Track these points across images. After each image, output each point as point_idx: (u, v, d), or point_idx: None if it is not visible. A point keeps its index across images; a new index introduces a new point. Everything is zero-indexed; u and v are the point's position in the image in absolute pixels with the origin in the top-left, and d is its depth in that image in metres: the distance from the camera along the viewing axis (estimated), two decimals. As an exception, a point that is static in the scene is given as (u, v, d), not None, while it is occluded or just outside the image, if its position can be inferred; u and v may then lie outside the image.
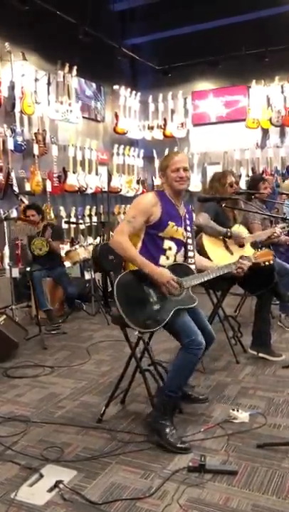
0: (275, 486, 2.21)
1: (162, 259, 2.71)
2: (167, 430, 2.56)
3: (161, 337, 4.09)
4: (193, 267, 2.79)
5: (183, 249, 2.81)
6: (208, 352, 3.99)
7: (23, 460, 2.48)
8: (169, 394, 2.61)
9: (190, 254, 2.82)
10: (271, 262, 3.00)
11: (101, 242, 6.16)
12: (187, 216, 2.85)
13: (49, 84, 6.85)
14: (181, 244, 2.79)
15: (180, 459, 2.45)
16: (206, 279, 2.76)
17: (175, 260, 2.76)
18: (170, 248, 2.73)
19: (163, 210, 2.70)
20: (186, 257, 2.84)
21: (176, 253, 2.76)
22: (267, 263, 2.99)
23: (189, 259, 2.81)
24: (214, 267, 2.89)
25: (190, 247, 2.83)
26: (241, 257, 2.92)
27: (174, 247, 2.74)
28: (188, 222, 2.84)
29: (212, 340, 2.79)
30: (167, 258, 2.73)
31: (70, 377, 3.71)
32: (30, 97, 6.42)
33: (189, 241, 2.83)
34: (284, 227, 4.10)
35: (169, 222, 2.70)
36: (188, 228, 2.84)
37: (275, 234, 3.99)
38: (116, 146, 8.37)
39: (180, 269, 2.72)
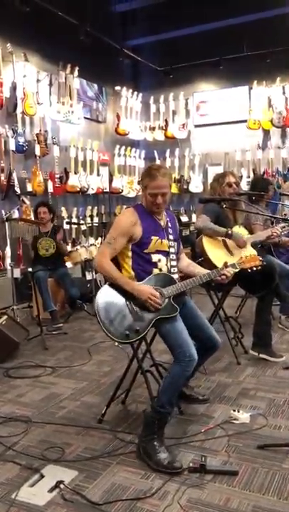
0: (276, 487, 2.21)
1: (155, 272, 2.71)
2: (155, 451, 2.41)
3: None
4: (176, 276, 2.75)
5: (168, 258, 2.77)
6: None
7: (23, 460, 2.49)
8: (159, 409, 2.49)
9: (173, 263, 2.77)
10: (258, 267, 2.86)
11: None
12: (169, 225, 2.82)
13: (51, 85, 6.86)
14: (166, 254, 2.76)
15: (181, 459, 2.45)
16: (187, 287, 2.70)
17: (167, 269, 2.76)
18: (160, 260, 2.72)
19: (143, 227, 2.69)
20: (170, 266, 2.78)
21: (166, 263, 2.75)
22: (255, 268, 2.86)
23: (172, 269, 2.76)
24: (201, 274, 2.81)
25: (172, 256, 2.78)
26: (225, 265, 2.82)
27: (163, 259, 2.73)
28: (170, 231, 2.81)
29: (214, 346, 2.75)
30: (160, 270, 2.72)
31: (71, 377, 3.71)
32: (32, 97, 6.43)
33: (172, 250, 2.78)
34: (284, 227, 4.10)
35: (152, 238, 2.70)
36: (171, 237, 2.80)
37: (276, 233, 3.99)
38: (117, 146, 8.39)
39: (160, 279, 2.69)
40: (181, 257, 2.95)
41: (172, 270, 2.76)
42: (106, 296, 2.66)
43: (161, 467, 2.35)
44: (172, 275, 2.73)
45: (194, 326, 2.70)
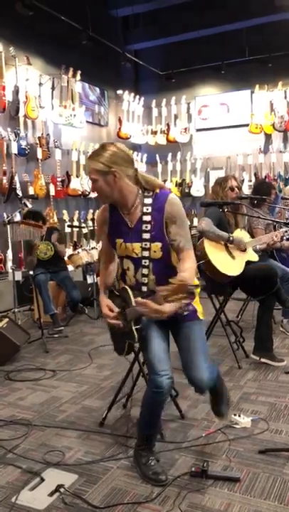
0: (277, 492, 2.19)
1: (127, 281, 2.29)
2: (143, 460, 2.36)
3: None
4: (144, 288, 2.20)
5: (139, 266, 2.21)
6: (211, 357, 4.00)
7: (24, 464, 2.48)
8: (139, 429, 2.41)
9: (144, 271, 2.19)
10: (186, 301, 2.00)
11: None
12: (147, 219, 2.14)
13: (53, 88, 6.89)
14: (136, 261, 2.22)
15: (181, 464, 2.44)
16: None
17: (137, 282, 2.25)
18: (128, 269, 2.26)
19: (109, 227, 2.28)
20: (141, 275, 2.21)
21: (135, 274, 2.23)
22: (183, 301, 1.96)
23: (144, 279, 2.20)
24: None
25: (145, 263, 2.18)
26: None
27: (132, 267, 2.24)
28: (146, 227, 2.14)
29: (197, 388, 2.28)
30: (130, 280, 2.27)
31: (71, 381, 3.71)
32: (34, 101, 6.46)
33: (145, 254, 2.17)
34: (286, 231, 4.10)
35: (116, 240, 2.26)
36: (147, 236, 2.15)
37: (276, 238, 3.99)
38: (119, 150, 8.40)
39: (122, 296, 2.27)
40: (181, 258, 2.17)
41: (144, 281, 2.20)
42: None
43: (146, 478, 2.31)
44: (142, 286, 2.21)
45: (181, 358, 2.28)
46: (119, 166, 2.09)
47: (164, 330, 2.30)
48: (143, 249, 2.16)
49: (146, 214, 2.14)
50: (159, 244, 2.15)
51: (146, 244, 2.15)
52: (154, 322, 2.24)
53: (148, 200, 2.15)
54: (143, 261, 2.17)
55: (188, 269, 2.10)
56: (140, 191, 2.18)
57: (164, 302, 1.92)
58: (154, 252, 2.16)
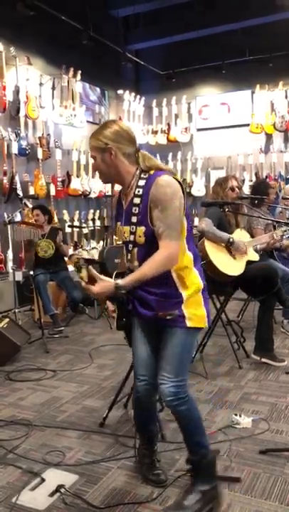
0: (278, 492, 2.19)
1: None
2: (146, 460, 2.36)
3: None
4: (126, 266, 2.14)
5: (128, 251, 2.10)
6: (210, 358, 4.00)
7: (24, 464, 2.48)
8: (137, 429, 2.39)
9: (128, 256, 2.09)
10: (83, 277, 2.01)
11: (107, 245, 6.18)
12: (136, 201, 2.01)
13: (53, 88, 6.89)
14: (126, 245, 2.11)
15: (182, 464, 2.43)
16: None
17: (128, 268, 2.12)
18: (123, 254, 2.15)
19: (116, 209, 2.20)
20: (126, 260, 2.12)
21: (126, 259, 2.13)
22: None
23: (128, 264, 2.10)
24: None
25: (129, 247, 2.07)
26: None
27: (125, 252, 2.13)
28: (135, 210, 2.01)
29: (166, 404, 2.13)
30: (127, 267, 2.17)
31: (72, 381, 3.71)
32: (35, 101, 6.45)
33: (131, 238, 2.04)
34: (285, 231, 4.10)
35: (117, 223, 2.16)
36: (134, 220, 2.01)
37: (275, 236, 3.99)
38: (120, 150, 8.39)
39: None
40: (159, 246, 1.97)
41: (130, 267, 2.09)
42: None
43: (146, 478, 2.31)
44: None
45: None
46: (116, 143, 2.01)
47: (153, 334, 2.15)
48: (131, 233, 2.04)
49: (137, 196, 2.01)
50: (143, 229, 2.00)
51: (133, 228, 2.03)
52: (142, 325, 2.16)
53: (142, 182, 2.02)
54: (130, 246, 2.06)
55: (150, 261, 1.95)
56: (138, 172, 2.05)
57: (94, 282, 1.99)
58: (139, 236, 2.01)
